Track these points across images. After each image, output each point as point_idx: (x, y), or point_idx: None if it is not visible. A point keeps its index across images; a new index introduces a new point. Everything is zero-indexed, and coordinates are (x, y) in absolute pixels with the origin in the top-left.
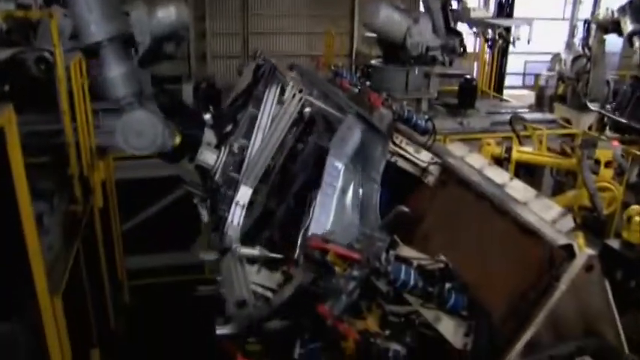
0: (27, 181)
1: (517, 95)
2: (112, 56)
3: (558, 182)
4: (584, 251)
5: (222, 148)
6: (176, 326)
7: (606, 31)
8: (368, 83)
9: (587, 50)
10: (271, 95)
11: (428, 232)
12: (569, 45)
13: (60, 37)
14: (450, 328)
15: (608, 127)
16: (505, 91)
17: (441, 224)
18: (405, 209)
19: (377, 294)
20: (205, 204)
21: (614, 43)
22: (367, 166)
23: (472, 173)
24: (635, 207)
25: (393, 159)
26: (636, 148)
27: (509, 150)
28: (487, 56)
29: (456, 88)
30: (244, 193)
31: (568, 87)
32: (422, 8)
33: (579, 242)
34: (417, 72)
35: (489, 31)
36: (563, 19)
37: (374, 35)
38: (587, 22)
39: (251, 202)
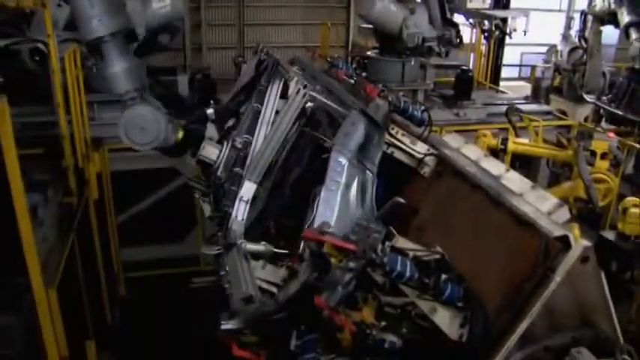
0: (21, 173)
1: (513, 87)
2: (114, 52)
3: (554, 174)
4: (580, 242)
5: (225, 143)
6: (171, 318)
7: (603, 22)
8: (364, 74)
9: (583, 42)
10: (274, 90)
11: (424, 223)
12: (566, 36)
13: (54, 28)
14: (445, 320)
15: (604, 119)
16: (501, 83)
17: (437, 215)
18: (401, 200)
19: (373, 285)
20: (207, 199)
21: (610, 34)
22: (363, 158)
23: (468, 164)
24: (630, 199)
25: (389, 150)
26: (632, 139)
27: (505, 141)
28: (483, 47)
29: (452, 79)
30: (248, 189)
31: (564, 79)
32: None
33: (575, 233)
34: (413, 63)
35: (486, 22)
36: (560, 10)
37: (370, 26)
38: (583, 14)
39: (254, 197)
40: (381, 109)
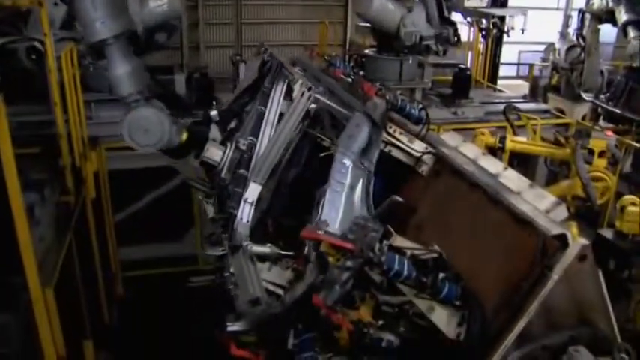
0: (18, 173)
1: (511, 85)
2: (117, 54)
3: (552, 172)
4: (578, 241)
5: (228, 145)
6: (170, 317)
7: (600, 20)
8: (362, 73)
9: (581, 40)
10: (278, 92)
11: (421, 221)
12: (564, 35)
13: (51, 27)
14: (443, 318)
15: (601, 118)
16: (499, 81)
17: (435, 214)
18: (399, 199)
19: (370, 284)
20: (211, 200)
21: (608, 33)
22: (361, 156)
23: (466, 163)
24: (628, 197)
25: (387, 149)
26: (630, 138)
27: (503, 140)
28: (481, 46)
29: (450, 77)
30: (253, 190)
31: (562, 77)
32: None
33: (572, 232)
34: (410, 61)
35: (483, 20)
36: (558, 8)
37: (368, 25)
38: (581, 12)
39: (258, 199)
40: (379, 107)
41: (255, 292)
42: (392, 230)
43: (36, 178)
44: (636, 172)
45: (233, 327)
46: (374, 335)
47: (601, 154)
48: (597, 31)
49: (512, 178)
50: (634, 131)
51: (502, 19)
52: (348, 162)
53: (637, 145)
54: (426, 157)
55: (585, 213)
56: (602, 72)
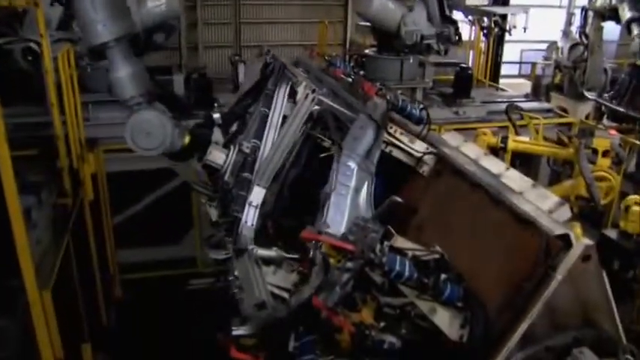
0: (14, 175)
1: (513, 84)
2: (119, 57)
3: (555, 172)
4: (581, 241)
5: (231, 148)
6: (168, 320)
7: (604, 18)
8: (362, 72)
9: (584, 38)
10: (282, 94)
11: (423, 222)
12: (566, 33)
13: (47, 27)
14: (445, 320)
15: (605, 116)
16: (501, 80)
17: (436, 214)
18: (399, 199)
19: (372, 285)
20: (214, 203)
21: (611, 30)
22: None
23: (467, 163)
24: (632, 197)
25: (388, 149)
26: (634, 137)
27: (505, 139)
28: (483, 45)
29: (452, 77)
30: (258, 194)
31: (565, 76)
32: None
33: (576, 232)
34: (411, 61)
35: (485, 19)
36: (560, 6)
37: (368, 24)
38: (584, 10)
39: (262, 202)
40: (379, 107)
41: (261, 295)
42: (393, 231)
43: (33, 180)
44: None
45: (238, 331)
46: (375, 337)
47: (605, 154)
48: (601, 28)
49: (514, 178)
50: (638, 130)
51: (504, 17)
52: (352, 164)
53: None
54: (427, 158)
55: (589, 213)
56: (605, 70)
